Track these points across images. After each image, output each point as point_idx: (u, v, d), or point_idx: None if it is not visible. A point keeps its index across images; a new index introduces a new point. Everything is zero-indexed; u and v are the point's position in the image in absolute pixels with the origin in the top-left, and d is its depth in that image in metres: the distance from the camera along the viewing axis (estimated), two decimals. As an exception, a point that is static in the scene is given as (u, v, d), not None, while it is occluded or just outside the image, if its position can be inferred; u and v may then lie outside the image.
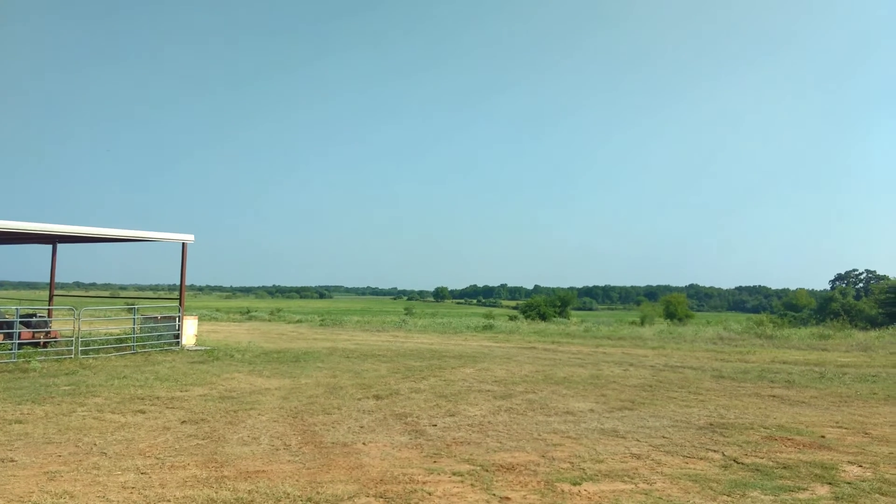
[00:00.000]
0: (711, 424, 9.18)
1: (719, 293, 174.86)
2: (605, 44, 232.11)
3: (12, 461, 6.71)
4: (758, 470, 6.75)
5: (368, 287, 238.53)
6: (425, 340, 24.18)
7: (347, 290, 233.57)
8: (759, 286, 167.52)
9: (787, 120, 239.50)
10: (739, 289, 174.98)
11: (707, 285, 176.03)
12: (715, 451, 7.62)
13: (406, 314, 51.52)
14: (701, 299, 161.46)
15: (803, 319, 57.43)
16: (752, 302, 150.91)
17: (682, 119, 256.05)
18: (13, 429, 8.21)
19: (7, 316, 17.27)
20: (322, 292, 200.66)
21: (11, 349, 15.02)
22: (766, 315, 50.70)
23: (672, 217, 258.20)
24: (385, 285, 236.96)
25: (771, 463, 7.05)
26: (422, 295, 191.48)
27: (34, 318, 17.32)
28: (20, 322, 16.08)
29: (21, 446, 7.36)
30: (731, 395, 11.85)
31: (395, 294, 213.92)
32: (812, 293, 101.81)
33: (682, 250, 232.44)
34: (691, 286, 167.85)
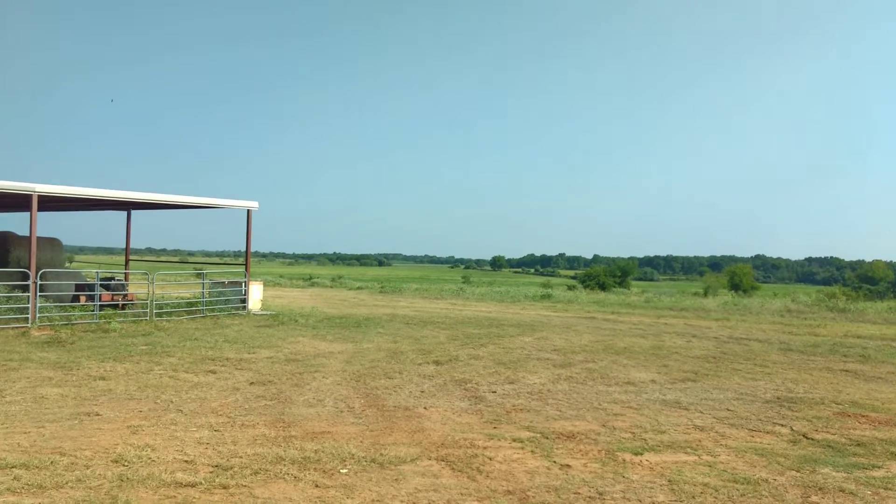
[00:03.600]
0: (779, 398, 8.93)
1: (787, 264, 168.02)
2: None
3: (98, 415, 7.17)
4: (829, 446, 6.55)
5: (426, 255, 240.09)
6: (483, 309, 24.27)
7: (405, 259, 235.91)
8: (831, 257, 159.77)
9: (865, 86, 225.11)
10: (809, 260, 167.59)
11: (774, 256, 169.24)
12: (783, 425, 7.42)
13: (464, 282, 51.81)
14: (767, 270, 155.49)
15: (880, 293, 54.64)
16: (823, 274, 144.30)
17: (752, 86, 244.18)
18: (98, 385, 8.75)
19: (89, 279, 18.33)
20: (381, 260, 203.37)
21: (93, 310, 15.93)
22: (839, 287, 48.58)
23: (738, 185, 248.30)
24: (442, 253, 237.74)
25: (843, 439, 6.82)
26: (479, 264, 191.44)
27: (112, 282, 18.29)
28: (100, 285, 17.03)
29: (105, 401, 7.84)
30: (799, 369, 11.47)
31: (452, 262, 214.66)
32: (890, 265, 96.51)
33: (748, 220, 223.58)
34: (757, 257, 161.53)
